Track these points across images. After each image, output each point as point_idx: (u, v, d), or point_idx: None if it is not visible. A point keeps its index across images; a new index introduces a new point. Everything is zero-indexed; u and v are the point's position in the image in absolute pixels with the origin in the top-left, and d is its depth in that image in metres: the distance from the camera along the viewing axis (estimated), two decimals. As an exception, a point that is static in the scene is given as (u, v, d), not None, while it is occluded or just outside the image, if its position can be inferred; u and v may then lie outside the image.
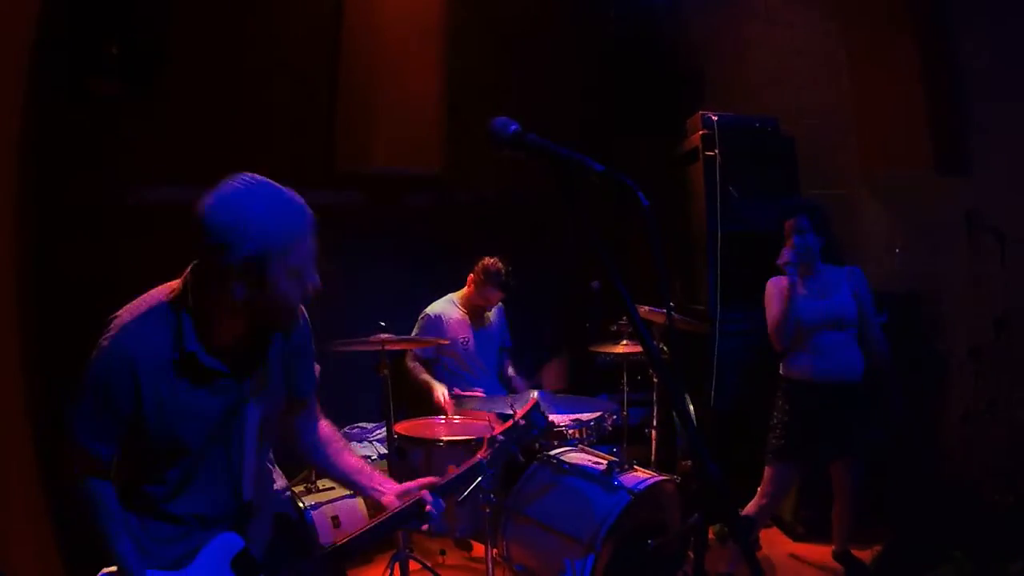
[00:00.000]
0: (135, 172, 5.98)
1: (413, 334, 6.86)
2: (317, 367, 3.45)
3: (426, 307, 6.97)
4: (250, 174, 2.84)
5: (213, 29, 6.25)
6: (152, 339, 2.82)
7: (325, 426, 3.49)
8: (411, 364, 6.81)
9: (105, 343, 2.80)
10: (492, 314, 7.15)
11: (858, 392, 5.58)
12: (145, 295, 2.94)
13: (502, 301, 7.07)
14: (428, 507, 3.21)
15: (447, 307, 6.97)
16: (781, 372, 5.74)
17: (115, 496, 2.94)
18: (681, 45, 8.52)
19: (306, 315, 3.28)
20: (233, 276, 2.74)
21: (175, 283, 2.91)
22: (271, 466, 3.53)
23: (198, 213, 2.73)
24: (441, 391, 6.54)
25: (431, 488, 3.27)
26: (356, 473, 3.40)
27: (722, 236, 6.79)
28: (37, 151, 4.70)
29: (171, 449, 2.93)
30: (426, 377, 6.71)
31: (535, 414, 3.60)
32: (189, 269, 2.89)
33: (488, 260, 6.80)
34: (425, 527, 3.32)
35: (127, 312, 2.87)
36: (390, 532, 3.28)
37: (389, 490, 3.32)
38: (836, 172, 7.16)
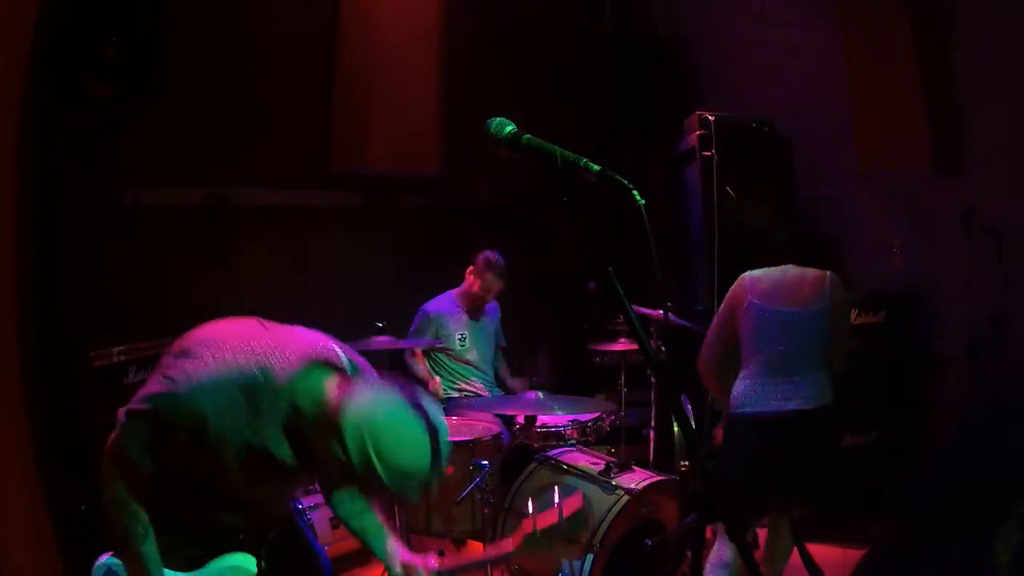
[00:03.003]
0: (133, 173, 5.98)
1: (411, 330, 6.90)
2: None
3: (424, 304, 6.98)
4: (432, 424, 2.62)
5: (210, 31, 6.25)
6: (228, 412, 2.68)
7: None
8: (409, 360, 6.84)
9: (181, 387, 2.67)
10: (488, 312, 7.17)
11: None
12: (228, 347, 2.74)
13: (497, 299, 7.08)
14: None
15: (445, 304, 6.98)
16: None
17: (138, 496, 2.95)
18: (678, 45, 8.52)
19: None
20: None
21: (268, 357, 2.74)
22: None
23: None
24: (435, 383, 6.62)
25: None
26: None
27: (719, 236, 6.79)
28: (35, 153, 4.70)
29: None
30: (422, 373, 6.76)
31: (579, 517, 3.25)
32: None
33: (488, 251, 6.84)
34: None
35: (212, 360, 2.69)
36: None
37: None
38: (834, 172, 7.17)
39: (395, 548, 3.26)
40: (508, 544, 3.27)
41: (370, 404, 2.55)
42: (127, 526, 2.91)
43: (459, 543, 6.36)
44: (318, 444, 2.66)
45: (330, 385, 2.64)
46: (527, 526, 3.18)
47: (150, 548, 2.94)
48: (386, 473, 2.50)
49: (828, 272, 4.99)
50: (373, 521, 3.33)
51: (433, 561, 3.18)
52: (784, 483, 5.01)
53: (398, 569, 3.20)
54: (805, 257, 5.11)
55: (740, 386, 5.02)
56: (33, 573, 4.11)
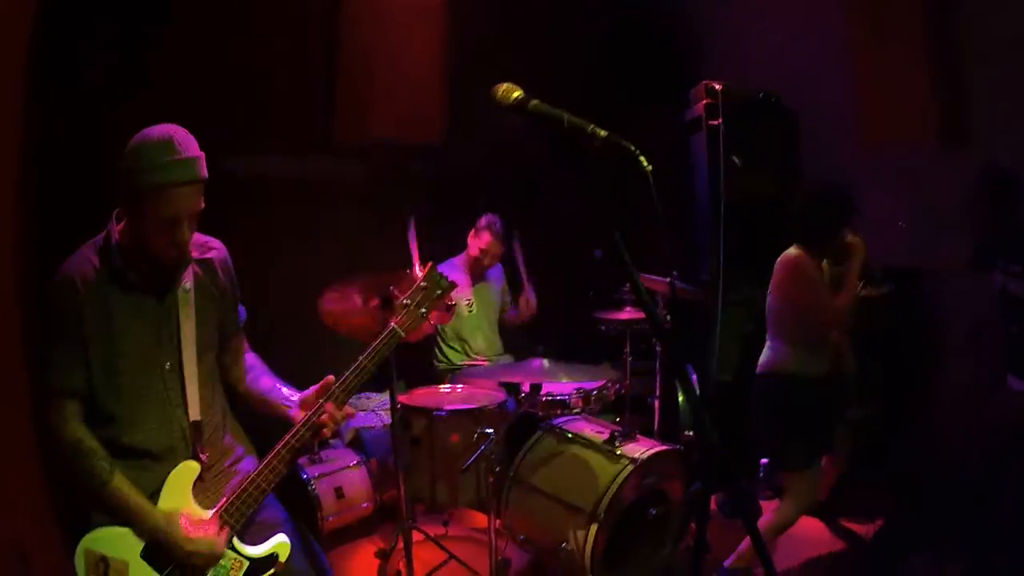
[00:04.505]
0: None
1: None
2: (242, 309, 3.70)
3: None
4: (175, 126, 3.14)
5: (212, 1, 6.21)
6: (87, 261, 3.17)
7: (250, 357, 3.75)
8: None
9: (53, 279, 3.16)
10: (491, 277, 7.20)
11: None
12: None
13: (502, 263, 7.11)
14: (323, 416, 3.32)
15: (448, 271, 6.97)
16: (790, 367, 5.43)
17: (95, 439, 3.15)
18: (683, 16, 8.46)
19: (229, 262, 3.60)
20: (124, 204, 3.18)
21: None
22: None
23: None
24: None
25: (329, 390, 3.37)
26: (268, 393, 3.60)
27: (724, 206, 6.77)
28: (37, 135, 4.67)
29: (112, 379, 3.17)
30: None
31: (433, 274, 3.75)
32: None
33: (486, 214, 7.04)
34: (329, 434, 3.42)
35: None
36: (304, 447, 3.36)
37: (295, 404, 3.47)
38: (839, 144, 7.13)
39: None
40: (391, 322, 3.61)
41: None
42: (92, 467, 3.11)
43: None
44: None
45: None
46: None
47: (123, 481, 3.11)
48: (143, 157, 3.03)
49: (787, 256, 5.31)
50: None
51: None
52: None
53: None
54: (802, 239, 5.35)
55: None
56: (33, 543, 4.11)
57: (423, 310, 3.64)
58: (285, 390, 3.57)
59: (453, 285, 3.78)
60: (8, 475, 3.94)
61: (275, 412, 3.51)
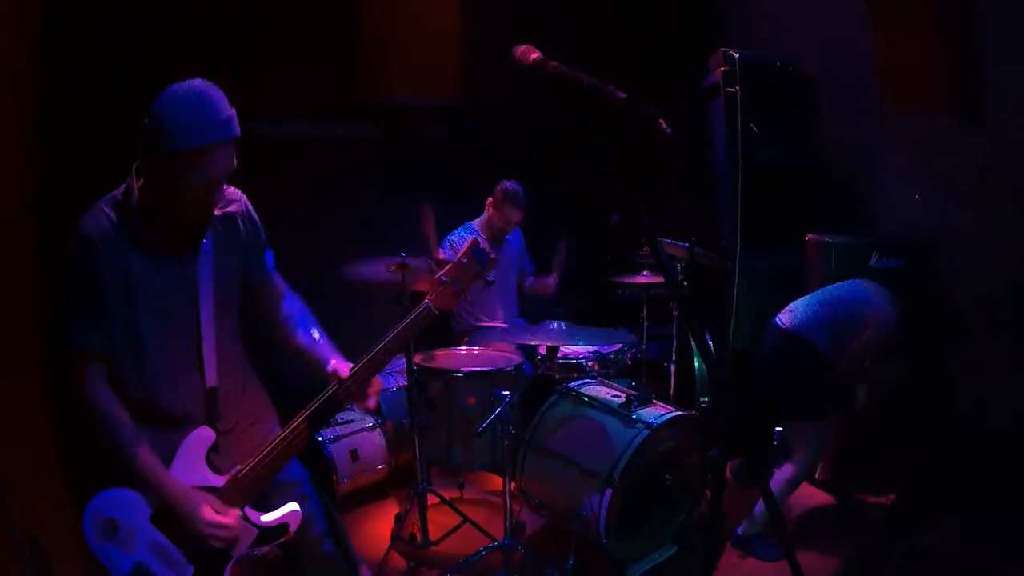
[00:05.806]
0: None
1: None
2: (270, 253, 3.61)
3: (448, 236, 6.96)
4: (204, 82, 3.05)
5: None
6: (105, 217, 3.07)
7: (288, 303, 3.62)
8: None
9: (70, 236, 3.06)
10: (510, 241, 7.18)
11: None
12: None
13: (520, 226, 7.09)
14: (370, 396, 3.32)
15: (466, 235, 6.96)
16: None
17: (121, 404, 3.10)
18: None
19: (251, 210, 3.50)
20: (151, 166, 3.04)
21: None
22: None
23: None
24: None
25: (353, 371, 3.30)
26: (306, 349, 3.48)
27: (742, 173, 6.75)
28: (51, 101, 4.67)
29: (130, 339, 3.12)
30: None
31: (476, 251, 3.62)
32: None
33: (506, 181, 6.89)
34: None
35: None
36: (330, 411, 3.32)
37: (332, 366, 3.38)
38: (856, 114, 7.09)
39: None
40: (426, 299, 3.51)
41: None
42: (118, 435, 3.07)
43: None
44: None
45: None
46: None
47: (147, 451, 3.09)
48: (175, 116, 2.91)
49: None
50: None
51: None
52: None
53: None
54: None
55: None
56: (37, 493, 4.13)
57: (459, 288, 3.54)
58: (323, 351, 3.45)
59: (494, 262, 3.67)
60: (26, 469, 3.97)
61: (311, 369, 3.42)
